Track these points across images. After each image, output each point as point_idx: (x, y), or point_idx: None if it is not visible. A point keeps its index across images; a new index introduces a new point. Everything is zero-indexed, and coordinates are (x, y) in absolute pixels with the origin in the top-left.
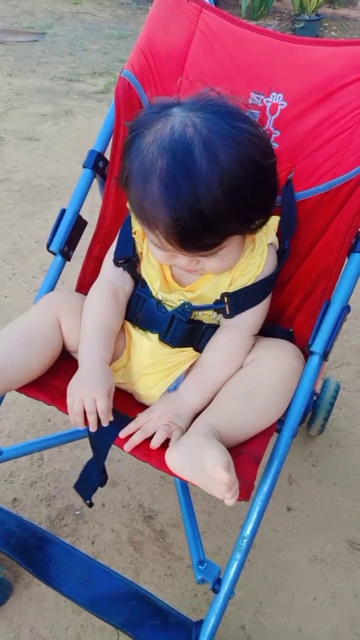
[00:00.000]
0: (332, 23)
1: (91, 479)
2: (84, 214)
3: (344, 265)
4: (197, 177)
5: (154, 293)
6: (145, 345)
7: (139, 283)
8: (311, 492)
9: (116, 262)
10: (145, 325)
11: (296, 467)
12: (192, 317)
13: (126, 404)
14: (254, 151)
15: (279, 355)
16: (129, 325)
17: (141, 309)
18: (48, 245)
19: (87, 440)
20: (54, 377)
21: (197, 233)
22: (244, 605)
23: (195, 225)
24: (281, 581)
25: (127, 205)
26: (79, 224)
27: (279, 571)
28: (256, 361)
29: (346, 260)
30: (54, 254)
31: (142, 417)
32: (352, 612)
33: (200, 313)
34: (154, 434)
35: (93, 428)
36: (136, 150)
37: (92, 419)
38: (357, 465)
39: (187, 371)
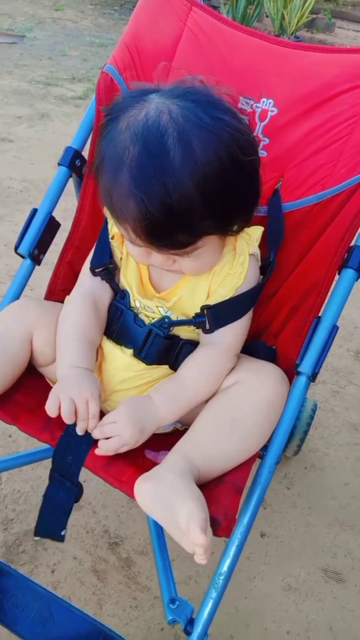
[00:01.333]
0: None
1: (60, 503)
2: (57, 219)
3: (335, 281)
4: (169, 169)
5: (132, 301)
6: (119, 359)
7: (118, 294)
8: (285, 516)
9: (93, 271)
10: (121, 339)
11: (270, 489)
12: (169, 332)
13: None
14: (232, 146)
15: (264, 379)
16: (103, 337)
17: (118, 321)
18: (16, 247)
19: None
20: (16, 392)
21: (166, 229)
22: None
23: (165, 220)
24: (253, 613)
25: (99, 195)
26: (51, 226)
27: (251, 602)
28: (239, 385)
29: (336, 275)
30: (23, 257)
31: (107, 418)
32: None
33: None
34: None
35: (81, 432)
36: (109, 136)
37: (82, 426)
38: (332, 488)
39: None
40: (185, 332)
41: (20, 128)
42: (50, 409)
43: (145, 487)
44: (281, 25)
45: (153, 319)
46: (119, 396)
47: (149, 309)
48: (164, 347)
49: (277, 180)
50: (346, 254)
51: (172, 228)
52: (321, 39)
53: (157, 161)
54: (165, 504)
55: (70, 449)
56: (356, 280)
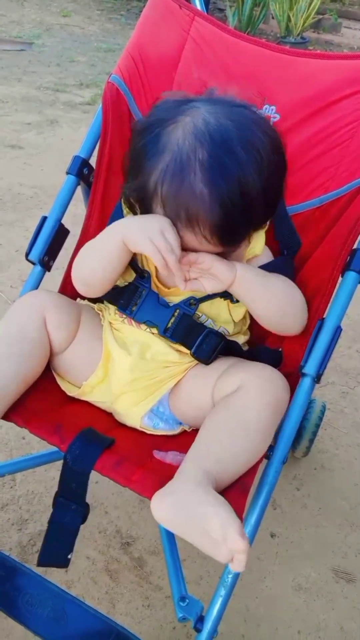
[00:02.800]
0: (316, 47)
1: (65, 527)
2: (66, 224)
3: (338, 284)
4: (241, 167)
5: (152, 285)
6: (125, 360)
7: (136, 274)
8: (296, 517)
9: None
10: (142, 318)
11: (280, 490)
12: (196, 317)
13: (105, 424)
14: (278, 144)
15: (266, 386)
16: (108, 336)
17: (138, 301)
18: (27, 254)
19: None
20: (28, 395)
21: (239, 225)
22: (225, 639)
23: (240, 216)
24: (264, 613)
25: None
26: (60, 233)
27: (262, 602)
28: (241, 391)
29: (340, 278)
30: (33, 263)
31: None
32: None
33: (203, 317)
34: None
35: (174, 266)
36: (162, 147)
37: (172, 259)
38: (342, 488)
39: (172, 390)
40: (210, 315)
41: (29, 135)
42: (151, 249)
43: (167, 502)
44: (287, 26)
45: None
46: (127, 398)
47: (172, 295)
48: (191, 326)
49: None
50: (349, 257)
51: (243, 223)
52: (327, 40)
53: (230, 160)
54: (191, 516)
55: (78, 461)
56: (359, 283)
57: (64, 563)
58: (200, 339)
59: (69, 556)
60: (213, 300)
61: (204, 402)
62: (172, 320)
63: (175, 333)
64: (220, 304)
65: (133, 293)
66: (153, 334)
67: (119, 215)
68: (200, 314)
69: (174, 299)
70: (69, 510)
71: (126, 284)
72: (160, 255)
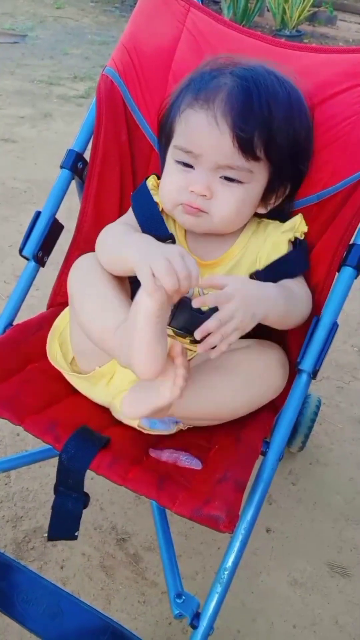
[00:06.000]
0: (311, 40)
1: (69, 512)
2: (60, 219)
3: (334, 279)
4: (275, 91)
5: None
6: None
7: None
8: (291, 512)
9: None
10: (180, 328)
11: (276, 485)
12: None
13: (100, 422)
14: (305, 104)
15: (266, 349)
16: None
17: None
18: (21, 250)
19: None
20: (23, 393)
21: (258, 125)
22: (221, 635)
23: (263, 119)
24: (260, 607)
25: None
26: (54, 228)
27: (257, 597)
28: (241, 349)
29: (336, 274)
30: (27, 259)
31: (223, 313)
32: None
33: None
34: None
35: (186, 290)
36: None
37: (185, 285)
38: (337, 483)
39: None
40: None
41: (23, 128)
42: (151, 278)
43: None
44: (282, 19)
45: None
46: None
47: (200, 291)
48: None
49: None
50: (345, 252)
51: (261, 133)
52: (323, 33)
53: (262, 84)
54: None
55: (73, 460)
56: (355, 278)
57: (72, 538)
58: None
59: (76, 533)
60: None
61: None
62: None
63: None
64: None
65: None
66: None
67: (145, 194)
68: None
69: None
70: (70, 497)
71: None
72: (175, 278)
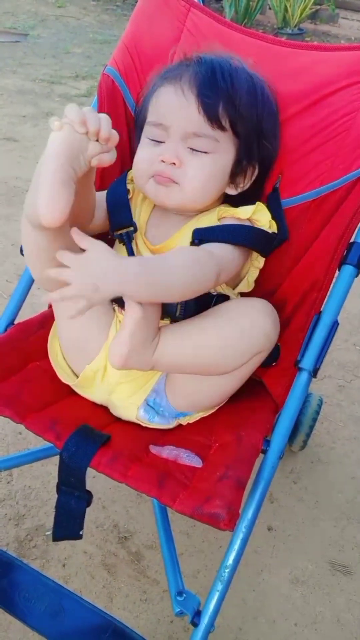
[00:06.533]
0: (313, 38)
1: (72, 511)
2: None
3: (335, 277)
4: (238, 71)
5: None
6: None
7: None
8: (292, 510)
9: (112, 230)
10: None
11: (277, 484)
12: None
13: (101, 419)
14: (268, 88)
15: (256, 303)
16: (112, 328)
17: None
18: (22, 250)
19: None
20: (24, 391)
21: (224, 96)
22: (222, 632)
23: (227, 90)
24: (261, 605)
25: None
26: None
27: (258, 595)
28: (233, 300)
29: (336, 272)
30: None
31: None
32: (334, 638)
33: None
34: None
35: (93, 135)
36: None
37: (93, 130)
38: (339, 482)
39: (169, 377)
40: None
41: (25, 127)
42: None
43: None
44: (284, 17)
45: None
46: (122, 389)
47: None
48: (201, 303)
49: (276, 177)
50: (345, 250)
51: (226, 104)
52: (325, 30)
53: (225, 69)
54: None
55: (74, 458)
56: (355, 277)
57: (77, 537)
58: (212, 305)
59: (81, 532)
60: None
61: (203, 382)
62: (179, 306)
63: (187, 315)
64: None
65: None
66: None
67: (120, 185)
68: None
69: None
70: (73, 496)
71: None
72: (83, 116)
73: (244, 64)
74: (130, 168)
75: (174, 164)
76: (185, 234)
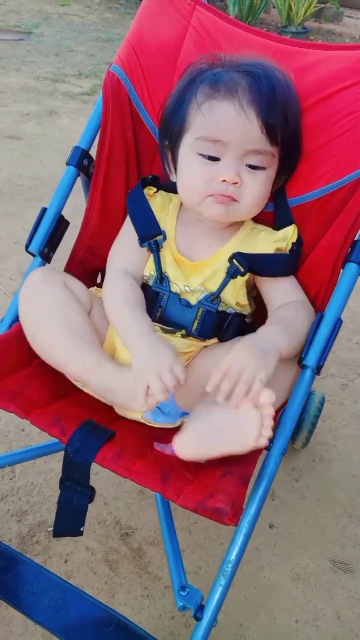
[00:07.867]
0: (317, 37)
1: (74, 506)
2: (66, 216)
3: (339, 276)
4: (288, 83)
5: (173, 287)
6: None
7: (155, 280)
8: (294, 508)
9: (141, 240)
10: (169, 322)
11: (279, 482)
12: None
13: (105, 416)
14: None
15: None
16: (113, 331)
17: (161, 306)
18: (27, 246)
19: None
20: (29, 387)
21: (280, 111)
22: (224, 628)
23: (282, 103)
24: (262, 602)
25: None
26: (60, 225)
27: (260, 591)
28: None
29: (341, 270)
30: (33, 255)
31: (222, 365)
32: (334, 634)
33: (223, 305)
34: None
35: (165, 396)
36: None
37: (168, 389)
38: (341, 480)
39: None
40: (233, 303)
41: (28, 125)
42: (143, 395)
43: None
44: (288, 15)
45: (197, 299)
46: None
47: (187, 288)
48: (216, 321)
49: None
50: (349, 249)
51: (281, 118)
52: (329, 29)
53: (275, 75)
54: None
55: (79, 453)
56: None
57: (78, 533)
58: (225, 326)
59: (82, 529)
60: (229, 285)
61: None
62: (196, 321)
63: (203, 331)
64: (236, 285)
65: (154, 299)
66: (176, 337)
67: (139, 195)
68: (223, 305)
69: (191, 296)
70: (76, 491)
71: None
72: (166, 394)
73: (286, 75)
74: (146, 176)
75: (236, 182)
76: (229, 250)
